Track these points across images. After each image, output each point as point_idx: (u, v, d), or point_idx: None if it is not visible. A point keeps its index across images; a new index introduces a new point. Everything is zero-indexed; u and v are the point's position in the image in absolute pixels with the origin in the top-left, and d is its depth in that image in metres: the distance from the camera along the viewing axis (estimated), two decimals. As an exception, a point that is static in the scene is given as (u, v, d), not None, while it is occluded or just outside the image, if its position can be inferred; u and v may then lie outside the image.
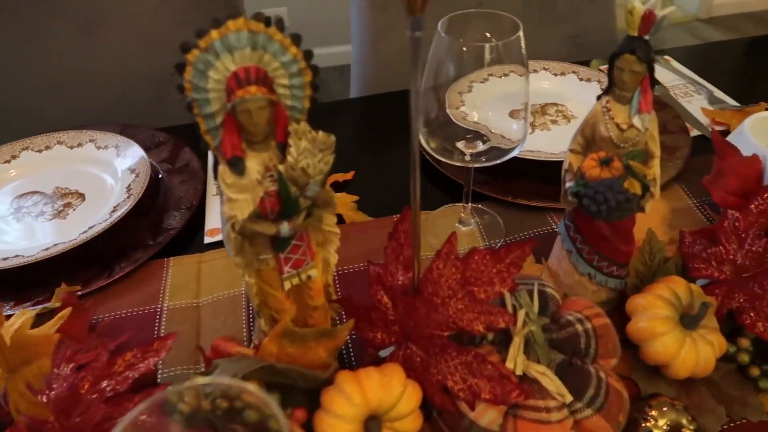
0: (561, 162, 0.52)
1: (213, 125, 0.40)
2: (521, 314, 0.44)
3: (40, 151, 0.82)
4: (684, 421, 0.46)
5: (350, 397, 0.43)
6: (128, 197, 0.72)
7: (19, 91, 1.03)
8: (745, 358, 0.51)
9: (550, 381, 0.44)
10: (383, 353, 0.51)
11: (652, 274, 0.55)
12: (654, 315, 0.49)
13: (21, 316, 0.49)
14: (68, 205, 0.76)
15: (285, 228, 0.42)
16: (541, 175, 0.75)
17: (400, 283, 0.48)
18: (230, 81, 0.37)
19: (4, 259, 0.65)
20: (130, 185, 0.75)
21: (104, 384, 0.45)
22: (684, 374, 0.49)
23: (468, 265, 0.45)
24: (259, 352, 0.46)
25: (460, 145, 0.63)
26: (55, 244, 0.67)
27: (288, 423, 0.26)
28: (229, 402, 0.43)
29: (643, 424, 0.46)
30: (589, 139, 0.48)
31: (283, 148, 0.41)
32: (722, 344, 0.50)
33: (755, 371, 0.51)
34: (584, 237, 0.51)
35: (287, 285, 0.45)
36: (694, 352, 0.49)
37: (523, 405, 0.43)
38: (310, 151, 0.40)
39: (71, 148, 0.83)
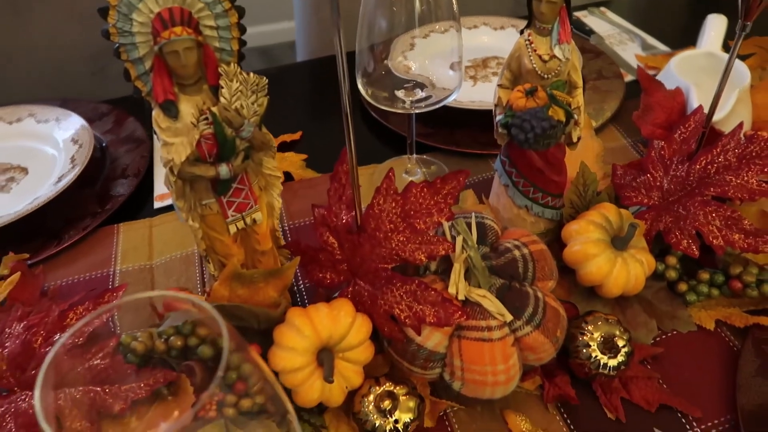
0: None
1: (143, 70, 0.40)
2: (459, 241, 0.46)
3: (10, 123, 0.81)
4: (617, 332, 0.49)
5: (300, 330, 0.45)
6: (73, 167, 0.72)
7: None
8: (673, 274, 0.55)
9: (491, 303, 0.46)
10: (334, 296, 0.52)
11: (586, 205, 0.57)
12: (587, 239, 0.52)
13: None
14: (11, 179, 0.74)
15: (224, 170, 0.43)
16: (482, 124, 0.77)
17: (344, 222, 0.49)
18: (155, 23, 0.38)
19: (-52, 233, 0.64)
20: (73, 156, 0.74)
21: (57, 337, 0.46)
22: (617, 292, 0.52)
23: (407, 198, 0.47)
24: (209, 297, 0.47)
25: (399, 93, 0.64)
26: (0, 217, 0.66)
27: (229, 339, 0.27)
28: (183, 339, 0.44)
29: (580, 338, 0.49)
30: (515, 73, 0.50)
31: (216, 91, 0.41)
32: (651, 262, 0.53)
33: (683, 287, 0.55)
34: (519, 170, 0.53)
35: (232, 229, 0.46)
36: (625, 271, 0.52)
37: (466, 326, 0.45)
38: (243, 92, 0.41)
39: (10, 123, 0.81)
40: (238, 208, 0.46)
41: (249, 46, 0.43)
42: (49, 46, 1.02)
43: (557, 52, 0.47)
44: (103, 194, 0.72)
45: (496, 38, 0.94)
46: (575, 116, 0.48)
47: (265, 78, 0.42)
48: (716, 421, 0.47)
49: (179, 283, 0.61)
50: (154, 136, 0.80)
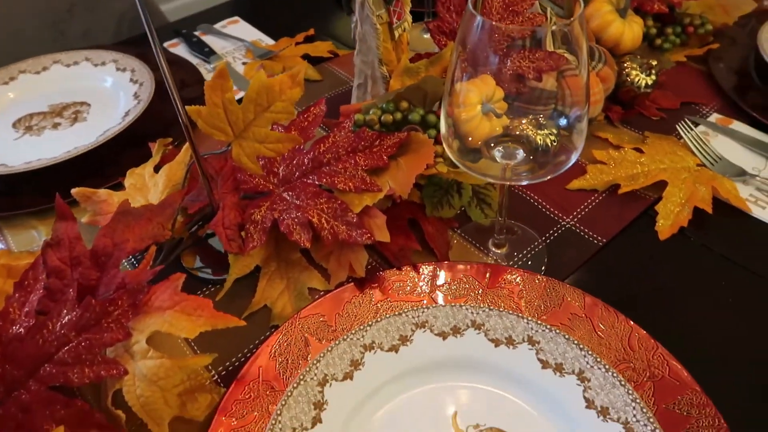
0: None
1: None
2: (549, 12, 0.65)
3: (38, 72, 0.82)
4: (645, 61, 0.71)
5: (471, 90, 0.60)
6: (140, 86, 0.78)
7: None
8: (653, 31, 0.79)
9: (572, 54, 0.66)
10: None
11: (581, 3, 0.79)
12: (603, 12, 0.74)
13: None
14: (78, 112, 0.78)
15: (399, -23, 0.57)
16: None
17: (455, 26, 0.65)
18: None
19: (67, 151, 0.68)
20: (134, 78, 0.79)
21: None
22: (630, 46, 0.75)
23: (503, -10, 0.65)
24: (388, 89, 0.61)
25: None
26: (104, 132, 0.71)
27: None
28: (391, 115, 0.58)
29: (625, 71, 0.71)
30: None
31: None
32: (641, 23, 0.76)
33: (659, 41, 0.79)
34: (546, -24, 0.73)
35: (397, 33, 0.60)
36: (631, 30, 0.74)
37: (566, 68, 0.65)
38: None
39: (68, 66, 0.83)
40: (398, 16, 0.60)
41: None
42: (7, 15, 1.01)
43: None
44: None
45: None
46: None
47: None
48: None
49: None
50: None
